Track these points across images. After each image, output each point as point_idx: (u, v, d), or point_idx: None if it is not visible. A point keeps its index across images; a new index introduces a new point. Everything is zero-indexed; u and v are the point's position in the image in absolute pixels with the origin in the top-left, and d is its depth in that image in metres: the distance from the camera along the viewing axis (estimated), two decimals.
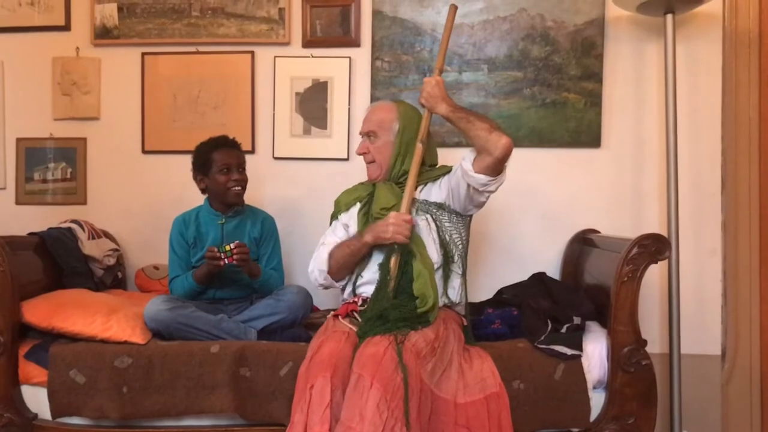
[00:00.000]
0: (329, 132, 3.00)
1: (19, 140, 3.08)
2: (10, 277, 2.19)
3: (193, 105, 3.03)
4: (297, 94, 3.00)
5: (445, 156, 2.38)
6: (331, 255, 2.25)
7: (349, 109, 2.98)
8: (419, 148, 2.18)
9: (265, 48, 3.01)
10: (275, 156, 3.02)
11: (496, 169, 2.06)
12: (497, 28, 2.93)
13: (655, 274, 2.76)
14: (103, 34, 3.03)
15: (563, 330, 2.24)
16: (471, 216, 2.31)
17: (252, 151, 2.98)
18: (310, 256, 2.35)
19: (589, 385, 2.15)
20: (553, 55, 2.91)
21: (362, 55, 2.98)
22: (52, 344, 2.21)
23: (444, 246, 2.19)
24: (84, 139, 3.06)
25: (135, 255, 3.05)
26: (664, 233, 2.46)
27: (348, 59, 2.97)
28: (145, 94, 3.04)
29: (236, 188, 2.51)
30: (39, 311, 2.26)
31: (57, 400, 2.14)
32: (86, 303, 2.34)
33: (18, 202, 3.09)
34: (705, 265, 2.86)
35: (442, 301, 2.17)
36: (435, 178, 2.27)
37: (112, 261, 2.83)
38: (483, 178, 2.06)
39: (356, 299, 2.19)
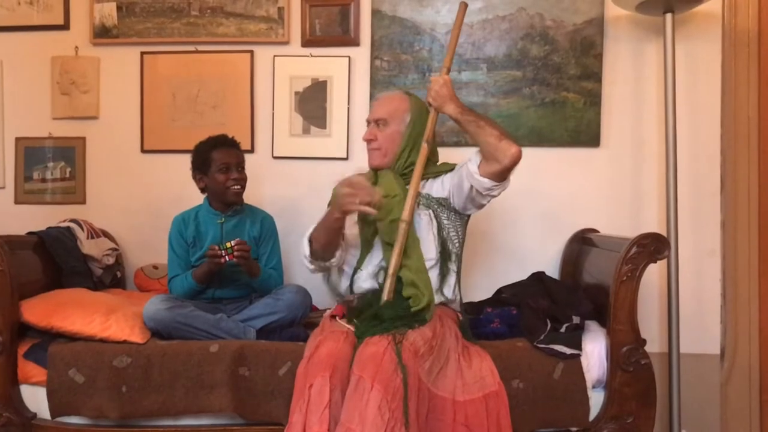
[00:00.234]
0: (328, 131, 3.00)
1: (18, 139, 3.08)
2: (9, 276, 2.19)
3: (192, 104, 3.03)
4: (296, 93, 3.00)
5: (444, 155, 2.38)
6: (311, 238, 2.22)
7: (348, 108, 2.98)
8: (424, 148, 2.16)
9: (264, 47, 3.01)
10: (274, 155, 3.02)
11: (502, 175, 2.06)
12: (496, 28, 2.93)
13: (654, 274, 2.76)
14: (102, 34, 3.03)
15: (562, 329, 2.24)
16: (469, 216, 2.30)
17: (251, 151, 2.98)
18: None
19: (588, 385, 2.15)
20: (552, 55, 2.90)
21: (361, 55, 2.98)
22: (51, 344, 2.20)
23: (443, 243, 2.19)
24: (83, 139, 3.06)
25: (134, 254, 3.04)
26: (663, 233, 2.46)
27: (347, 58, 2.97)
28: (144, 93, 3.04)
29: (235, 187, 2.51)
30: (38, 310, 2.26)
31: (56, 400, 2.14)
32: (85, 302, 2.34)
33: (17, 202, 3.08)
34: (704, 264, 2.86)
35: (438, 298, 2.17)
36: (436, 175, 2.26)
37: (111, 260, 2.83)
38: (488, 182, 2.06)
39: (352, 298, 2.18)
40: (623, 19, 2.89)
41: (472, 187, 2.10)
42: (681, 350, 2.59)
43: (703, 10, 2.78)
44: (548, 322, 2.26)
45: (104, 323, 2.21)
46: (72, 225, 2.76)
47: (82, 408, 2.14)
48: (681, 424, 2.58)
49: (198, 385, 2.12)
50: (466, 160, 2.14)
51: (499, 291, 2.67)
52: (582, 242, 2.80)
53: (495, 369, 2.03)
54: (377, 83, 2.95)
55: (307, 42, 2.99)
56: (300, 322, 2.42)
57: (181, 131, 3.01)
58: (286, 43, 3.00)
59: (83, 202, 3.06)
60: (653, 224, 2.83)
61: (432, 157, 2.26)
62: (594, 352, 2.18)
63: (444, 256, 2.19)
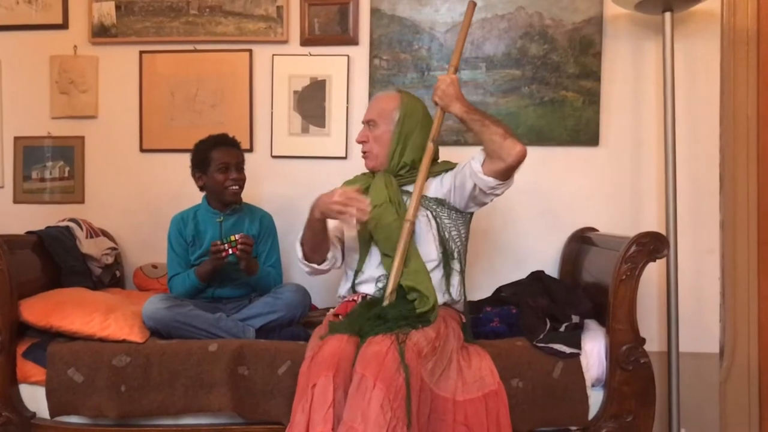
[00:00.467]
0: (327, 130, 2.99)
1: (16, 139, 3.07)
2: (8, 275, 2.18)
3: (191, 103, 3.03)
4: (295, 92, 3.00)
5: (444, 155, 2.37)
6: (301, 241, 2.24)
7: (347, 107, 2.98)
8: (430, 147, 2.15)
9: (263, 46, 3.00)
10: (273, 154, 3.02)
11: (507, 174, 2.05)
12: (495, 27, 2.93)
13: (653, 273, 2.76)
14: (101, 33, 3.03)
15: (562, 328, 2.24)
16: (471, 214, 2.29)
17: (250, 150, 2.97)
18: None
19: (588, 384, 2.15)
20: (552, 54, 2.90)
21: (360, 54, 2.98)
22: (50, 343, 2.20)
23: (443, 243, 2.19)
24: (82, 138, 3.06)
25: (133, 254, 3.04)
26: (663, 231, 2.46)
27: (346, 57, 2.97)
28: (142, 92, 3.04)
29: (234, 188, 2.50)
30: (37, 310, 2.25)
31: (55, 399, 2.14)
32: (84, 302, 2.34)
33: (16, 201, 3.08)
34: (703, 263, 2.86)
35: (443, 299, 2.16)
36: (436, 174, 2.25)
37: (110, 260, 2.83)
38: (492, 181, 2.06)
39: (356, 297, 2.18)
40: (622, 17, 2.89)
41: (475, 185, 2.10)
42: (680, 349, 2.59)
43: (702, 8, 2.77)
44: (547, 321, 2.26)
45: (103, 322, 2.21)
46: (71, 224, 2.76)
47: (81, 407, 2.13)
48: (680, 423, 2.58)
49: (197, 384, 2.12)
50: (468, 159, 2.13)
51: (499, 290, 2.67)
52: (581, 241, 2.80)
53: (494, 368, 2.03)
54: (376, 82, 2.95)
55: (306, 41, 2.99)
56: (299, 321, 2.41)
57: (179, 130, 3.00)
58: (285, 42, 2.99)
59: (82, 201, 3.06)
60: (652, 223, 2.83)
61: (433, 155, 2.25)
62: (593, 351, 2.18)
63: (446, 256, 2.19)
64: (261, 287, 2.50)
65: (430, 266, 2.14)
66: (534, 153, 2.83)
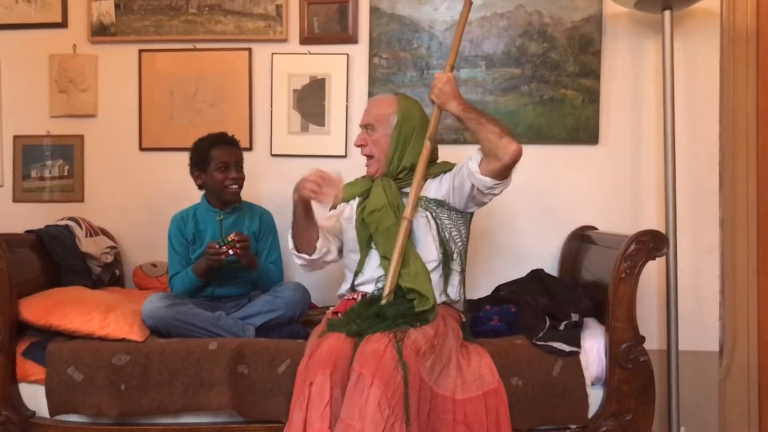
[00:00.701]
0: (327, 129, 2.99)
1: (16, 138, 3.07)
2: (8, 274, 2.18)
3: (190, 102, 3.03)
4: (294, 91, 3.00)
5: (444, 153, 2.37)
6: (291, 232, 2.25)
7: (347, 106, 2.98)
8: (427, 146, 2.15)
9: (262, 45, 3.00)
10: (273, 153, 3.02)
11: (504, 173, 2.05)
12: (495, 25, 2.92)
13: (653, 271, 2.76)
14: (100, 31, 3.03)
15: (561, 327, 2.23)
16: (471, 214, 2.30)
17: (249, 149, 2.97)
18: None
19: (587, 382, 2.15)
20: (551, 52, 2.90)
21: (360, 52, 2.97)
22: (49, 342, 2.20)
23: (443, 244, 2.19)
24: (81, 137, 3.06)
25: (133, 252, 3.04)
26: (662, 230, 2.45)
27: (346, 56, 2.97)
28: (142, 91, 3.04)
29: (233, 187, 2.51)
30: (36, 309, 2.25)
31: (55, 398, 2.14)
32: (84, 300, 2.34)
33: (15, 200, 3.08)
34: (703, 261, 2.86)
35: (441, 299, 2.16)
36: (435, 175, 2.25)
37: (109, 258, 2.83)
38: (489, 181, 2.05)
39: (355, 296, 2.18)
40: (622, 16, 2.88)
41: (473, 186, 2.10)
42: (680, 347, 2.59)
43: (702, 7, 2.77)
44: (547, 319, 2.26)
45: (103, 321, 2.21)
46: (70, 223, 2.76)
47: (81, 406, 2.13)
48: (680, 421, 2.58)
49: (197, 382, 2.12)
50: (466, 159, 2.13)
51: (498, 288, 2.66)
52: (581, 239, 2.80)
53: (494, 367, 2.03)
54: (376, 81, 2.95)
55: (306, 39, 2.99)
56: (299, 320, 2.42)
57: (179, 129, 3.00)
58: (285, 40, 2.99)
59: (81, 200, 3.06)
60: (652, 221, 2.83)
61: (432, 154, 2.24)
62: (593, 350, 2.18)
63: (446, 256, 2.19)
64: (263, 284, 2.50)
65: (430, 267, 2.14)
66: (533, 151, 2.87)
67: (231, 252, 2.33)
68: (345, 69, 2.97)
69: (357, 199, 2.32)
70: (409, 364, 1.78)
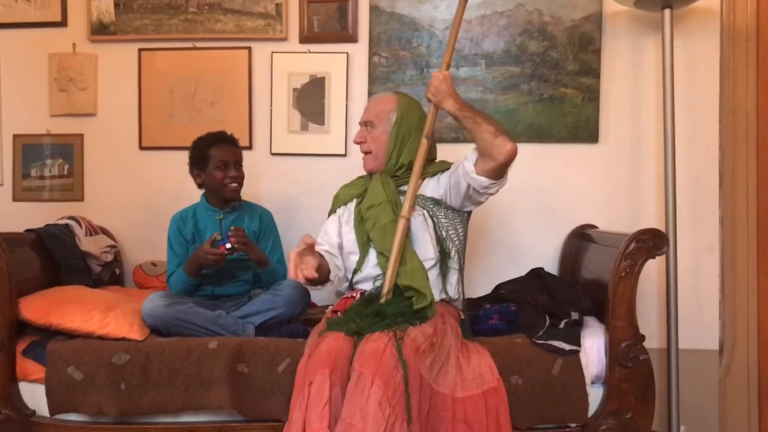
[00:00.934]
0: (327, 128, 2.99)
1: (15, 137, 3.07)
2: (8, 273, 2.18)
3: (189, 101, 3.02)
4: (294, 89, 3.00)
5: (443, 152, 2.38)
6: None
7: (346, 104, 2.98)
8: (424, 143, 2.16)
9: (262, 44, 3.00)
10: (272, 152, 3.02)
11: (499, 173, 2.05)
12: (495, 23, 2.92)
13: (653, 270, 2.76)
14: (100, 30, 3.02)
15: (561, 325, 2.23)
16: (469, 213, 2.30)
17: (249, 147, 2.97)
18: None
19: (587, 381, 2.15)
20: (551, 51, 2.90)
21: (360, 51, 2.97)
22: (49, 341, 2.20)
23: (440, 242, 2.19)
24: (81, 136, 3.05)
25: (132, 251, 3.04)
26: (662, 228, 2.46)
27: (345, 55, 2.97)
28: (141, 90, 3.03)
29: (233, 185, 2.51)
30: (36, 308, 2.25)
31: (55, 397, 2.14)
32: (84, 299, 2.34)
33: (15, 199, 3.08)
34: (703, 260, 2.86)
35: (440, 297, 2.17)
36: (433, 174, 2.26)
37: (109, 257, 2.83)
38: (485, 180, 2.05)
39: (354, 294, 2.18)
40: (621, 14, 2.88)
41: (469, 185, 2.10)
42: (680, 346, 2.59)
43: (702, 5, 2.77)
44: (547, 318, 2.26)
45: (103, 320, 2.21)
46: (70, 222, 2.76)
47: (81, 405, 2.13)
48: (680, 420, 2.58)
49: (197, 381, 2.12)
50: (462, 158, 2.13)
51: (498, 287, 2.66)
52: (581, 238, 2.80)
53: (494, 365, 2.03)
54: (375, 80, 2.95)
55: (305, 38, 2.99)
56: (299, 319, 2.41)
57: (179, 128, 3.00)
58: (284, 39, 2.99)
59: (81, 199, 3.06)
60: (652, 220, 2.83)
61: (430, 153, 2.25)
62: (593, 348, 2.18)
63: (443, 255, 2.19)
64: (270, 281, 2.49)
65: (427, 265, 2.14)
66: (533, 150, 2.87)
67: (228, 246, 2.32)
68: (345, 68, 2.97)
69: (355, 201, 2.32)
70: (408, 362, 1.78)
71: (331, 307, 2.21)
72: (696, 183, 2.86)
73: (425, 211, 2.20)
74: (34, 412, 2.20)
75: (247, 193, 2.63)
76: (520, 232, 2.94)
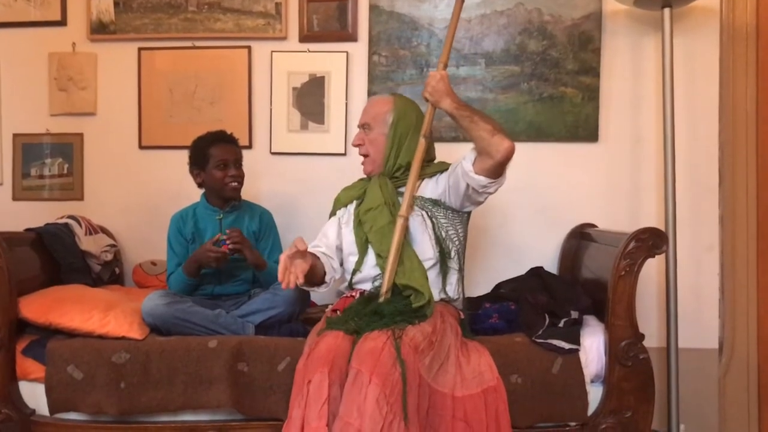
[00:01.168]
0: (326, 127, 2.99)
1: (15, 136, 3.07)
2: (8, 273, 2.18)
3: (189, 100, 3.03)
4: (294, 89, 3.00)
5: (442, 151, 2.37)
6: None
7: (346, 104, 2.98)
8: (422, 143, 2.16)
9: (261, 43, 3.00)
10: (272, 151, 3.02)
11: (497, 171, 2.05)
12: (494, 23, 2.92)
13: (652, 269, 2.76)
14: (100, 29, 3.02)
15: (561, 324, 2.24)
16: (469, 213, 2.30)
17: (249, 147, 2.97)
18: None
19: (587, 379, 2.15)
20: (551, 50, 2.90)
21: (359, 50, 2.97)
22: (49, 340, 2.20)
23: (440, 243, 2.18)
24: (81, 135, 3.06)
25: (132, 251, 3.04)
26: (662, 227, 2.46)
27: (345, 54, 2.97)
28: (141, 89, 3.03)
29: (233, 184, 2.51)
30: (36, 307, 2.25)
31: (55, 396, 2.14)
32: (83, 299, 2.34)
33: (15, 198, 3.08)
34: (702, 259, 2.86)
35: (439, 297, 2.17)
36: (431, 174, 2.26)
37: (109, 257, 2.83)
38: (483, 179, 2.05)
39: (354, 293, 2.18)
40: (621, 13, 2.88)
41: (468, 185, 2.10)
42: (679, 345, 2.59)
43: (701, 4, 2.77)
44: (547, 317, 2.27)
45: (103, 319, 2.21)
46: (70, 221, 2.76)
47: (81, 404, 2.13)
48: (680, 418, 2.59)
49: (197, 380, 2.12)
50: (460, 158, 2.13)
51: (498, 286, 2.67)
52: (580, 237, 2.80)
53: (493, 364, 2.03)
54: (375, 79, 2.95)
55: (305, 37, 2.99)
56: (298, 318, 2.42)
57: (178, 127, 3.00)
58: (284, 38, 2.99)
59: (81, 198, 3.06)
60: (651, 219, 2.83)
61: (429, 152, 2.25)
62: (592, 347, 2.18)
63: (442, 255, 2.19)
64: (269, 283, 2.49)
65: (427, 265, 2.14)
66: (533, 149, 2.87)
67: (229, 245, 2.33)
68: (344, 67, 2.97)
69: (354, 203, 2.32)
70: (407, 361, 1.78)
71: (330, 306, 2.21)
72: (695, 182, 2.86)
73: (424, 212, 2.20)
74: (33, 411, 2.20)
75: (246, 193, 2.63)
76: (520, 231, 2.94)
